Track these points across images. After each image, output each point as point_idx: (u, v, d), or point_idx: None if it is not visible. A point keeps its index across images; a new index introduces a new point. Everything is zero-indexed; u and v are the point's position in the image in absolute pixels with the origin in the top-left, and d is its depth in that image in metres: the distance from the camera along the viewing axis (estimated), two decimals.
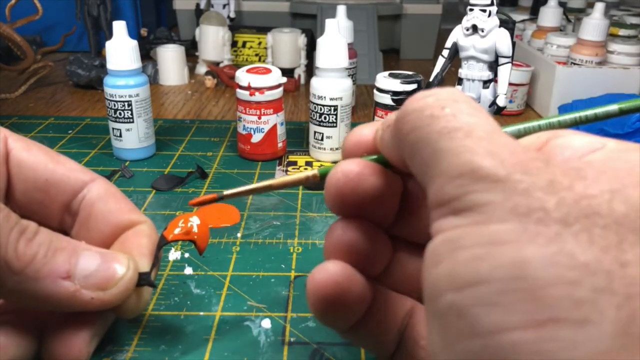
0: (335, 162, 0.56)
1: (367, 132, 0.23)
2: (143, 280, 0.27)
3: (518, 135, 0.20)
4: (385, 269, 0.24)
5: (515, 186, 0.15)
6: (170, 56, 0.82)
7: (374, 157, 0.23)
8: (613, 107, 0.19)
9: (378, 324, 0.24)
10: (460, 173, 0.16)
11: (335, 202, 0.23)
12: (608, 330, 0.12)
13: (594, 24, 0.71)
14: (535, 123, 0.20)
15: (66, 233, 0.29)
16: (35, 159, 0.29)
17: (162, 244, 0.28)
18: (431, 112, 0.18)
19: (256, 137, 0.55)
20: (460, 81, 0.53)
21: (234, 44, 0.89)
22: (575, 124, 0.20)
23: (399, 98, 0.52)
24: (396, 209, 0.24)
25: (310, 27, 0.92)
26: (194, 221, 0.29)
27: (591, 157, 0.17)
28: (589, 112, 0.19)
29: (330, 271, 0.22)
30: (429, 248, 0.16)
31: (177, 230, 0.28)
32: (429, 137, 0.17)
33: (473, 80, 0.51)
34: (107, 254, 0.26)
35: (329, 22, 0.54)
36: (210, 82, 0.82)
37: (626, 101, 0.19)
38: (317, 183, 0.24)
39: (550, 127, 0.20)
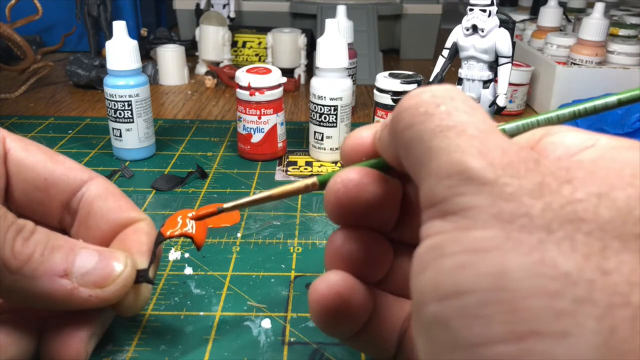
0: (335, 162, 0.56)
1: (365, 134, 0.23)
2: (141, 277, 0.27)
3: (517, 132, 0.20)
4: (387, 274, 0.24)
5: (502, 190, 0.15)
6: (170, 56, 0.82)
7: (373, 161, 0.22)
8: (612, 99, 0.19)
9: (379, 330, 0.24)
10: (450, 173, 0.15)
11: (336, 213, 0.22)
12: (588, 343, 0.12)
13: (594, 24, 0.71)
14: (533, 119, 0.20)
15: (66, 232, 0.30)
16: (34, 158, 0.29)
17: (160, 241, 0.28)
18: (426, 109, 0.17)
19: (256, 137, 0.55)
20: (460, 81, 0.53)
21: (234, 44, 0.89)
22: (574, 118, 0.19)
23: (399, 98, 0.52)
24: (397, 215, 0.23)
25: (310, 27, 0.92)
26: (192, 218, 0.29)
27: (582, 155, 0.17)
28: (588, 105, 0.19)
29: (332, 282, 0.22)
30: (416, 254, 0.16)
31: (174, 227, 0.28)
32: (423, 135, 0.17)
33: (473, 80, 0.51)
34: (104, 252, 0.26)
35: (329, 22, 0.54)
36: (210, 82, 0.82)
37: (624, 92, 0.19)
38: (316, 190, 0.24)
39: (549, 122, 0.19)
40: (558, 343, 0.12)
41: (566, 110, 0.19)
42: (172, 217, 0.28)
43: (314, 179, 0.23)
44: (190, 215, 0.27)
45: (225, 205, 0.26)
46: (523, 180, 0.15)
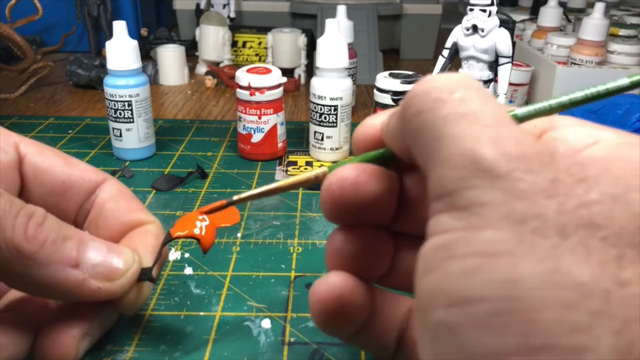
0: (335, 162, 0.56)
1: (377, 122, 0.22)
2: (144, 275, 0.27)
3: (529, 116, 0.19)
4: (388, 269, 0.24)
5: (515, 186, 0.14)
6: (170, 56, 0.82)
7: (372, 154, 0.22)
8: (624, 81, 0.18)
9: (379, 328, 0.23)
10: (462, 163, 0.15)
11: (332, 213, 0.22)
12: (605, 358, 0.11)
13: (594, 24, 0.71)
14: (546, 103, 0.19)
15: None
16: (50, 162, 0.29)
17: (167, 241, 0.28)
18: (438, 95, 0.17)
19: (256, 137, 0.55)
20: None
21: (234, 44, 0.89)
22: (587, 101, 0.19)
23: (399, 98, 0.52)
24: (395, 207, 0.23)
25: (310, 27, 0.92)
26: (202, 220, 0.29)
27: (587, 152, 0.16)
28: (601, 88, 0.19)
29: (332, 284, 0.22)
30: (422, 253, 0.15)
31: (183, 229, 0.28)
32: (434, 122, 0.16)
33: None
34: (112, 246, 0.26)
35: (329, 22, 0.54)
36: (210, 82, 0.82)
37: (636, 74, 0.18)
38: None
39: (562, 106, 0.19)
40: (573, 358, 0.12)
41: (579, 94, 0.19)
42: (182, 218, 0.28)
43: (324, 169, 0.23)
44: (201, 215, 0.27)
45: (235, 198, 0.25)
46: (537, 176, 0.14)
